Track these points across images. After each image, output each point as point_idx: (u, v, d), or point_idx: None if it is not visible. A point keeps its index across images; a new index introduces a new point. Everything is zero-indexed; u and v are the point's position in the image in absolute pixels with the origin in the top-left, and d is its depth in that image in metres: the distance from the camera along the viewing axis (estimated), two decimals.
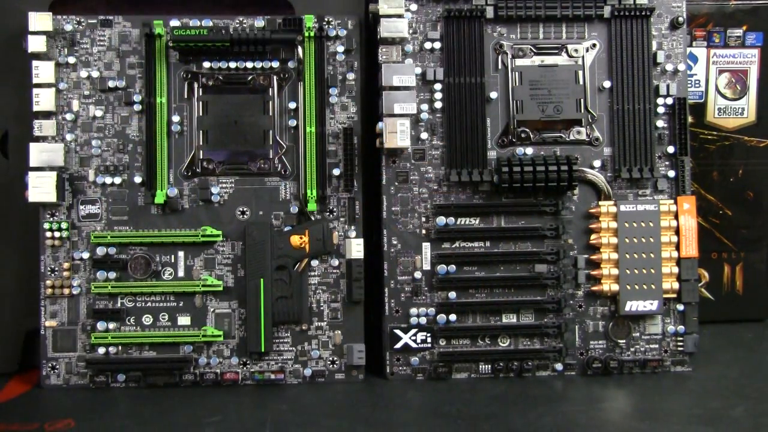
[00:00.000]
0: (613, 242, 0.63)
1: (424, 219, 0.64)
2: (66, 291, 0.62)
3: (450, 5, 0.64)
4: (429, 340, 0.63)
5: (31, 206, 0.62)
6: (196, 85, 0.63)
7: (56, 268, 0.62)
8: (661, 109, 0.65)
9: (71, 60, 0.62)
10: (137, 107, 0.63)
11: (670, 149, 0.64)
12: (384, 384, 0.63)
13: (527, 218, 0.64)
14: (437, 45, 0.64)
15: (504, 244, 0.64)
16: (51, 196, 0.61)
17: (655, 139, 0.64)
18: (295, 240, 0.62)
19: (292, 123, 0.63)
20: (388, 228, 0.64)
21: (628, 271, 0.63)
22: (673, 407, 0.58)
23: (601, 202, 0.64)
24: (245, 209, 0.63)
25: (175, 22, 0.63)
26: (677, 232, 0.64)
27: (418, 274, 0.63)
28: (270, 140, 0.63)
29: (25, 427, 0.55)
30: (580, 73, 0.64)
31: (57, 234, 0.62)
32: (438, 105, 0.64)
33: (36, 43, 0.61)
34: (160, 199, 0.62)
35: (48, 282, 0.62)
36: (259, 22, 0.63)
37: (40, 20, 0.61)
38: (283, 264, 0.62)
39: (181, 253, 0.63)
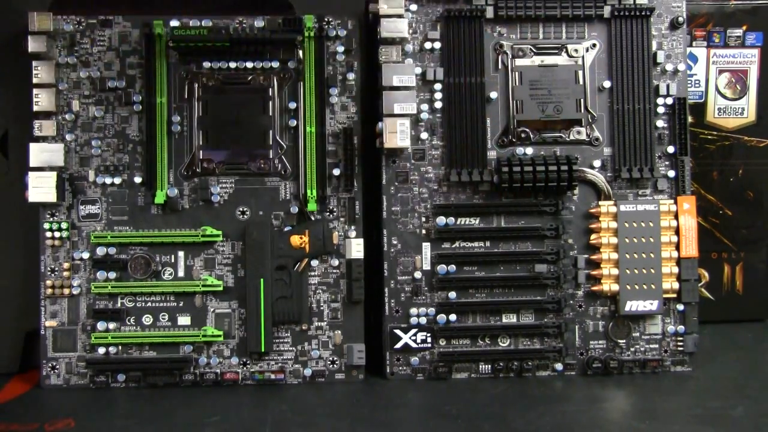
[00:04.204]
0: (613, 242, 0.63)
1: (424, 219, 0.64)
2: (66, 291, 0.62)
3: (450, 5, 0.64)
4: (429, 340, 0.63)
5: (31, 206, 0.62)
6: (196, 85, 0.63)
7: (56, 268, 0.62)
8: (661, 109, 0.65)
9: (71, 60, 0.62)
10: (137, 107, 0.63)
11: (670, 149, 0.64)
12: (384, 384, 0.63)
13: (527, 218, 0.64)
14: (437, 45, 0.64)
15: (504, 244, 0.64)
16: (51, 196, 0.61)
17: (655, 139, 0.64)
18: (295, 240, 0.62)
19: (292, 123, 0.63)
20: (388, 228, 0.64)
21: (628, 271, 0.63)
22: (673, 407, 0.58)
23: (601, 202, 0.64)
24: (245, 209, 0.63)
25: (174, 22, 0.63)
26: (677, 232, 0.64)
27: (418, 274, 0.63)
28: (270, 140, 0.63)
29: (25, 427, 0.55)
30: (580, 73, 0.64)
31: (57, 234, 0.62)
32: (438, 105, 0.64)
33: (36, 44, 0.61)
34: (160, 199, 0.62)
35: (48, 282, 0.62)
36: (259, 22, 0.63)
37: (40, 20, 0.61)
38: (283, 264, 0.62)
39: (181, 253, 0.63)
